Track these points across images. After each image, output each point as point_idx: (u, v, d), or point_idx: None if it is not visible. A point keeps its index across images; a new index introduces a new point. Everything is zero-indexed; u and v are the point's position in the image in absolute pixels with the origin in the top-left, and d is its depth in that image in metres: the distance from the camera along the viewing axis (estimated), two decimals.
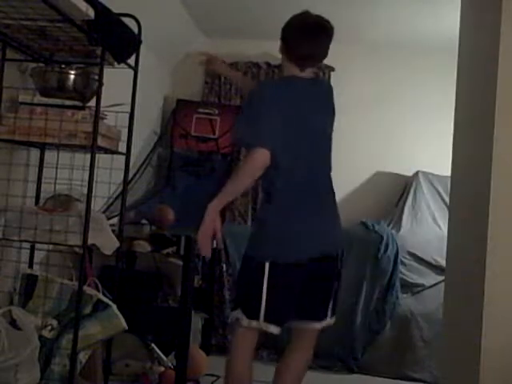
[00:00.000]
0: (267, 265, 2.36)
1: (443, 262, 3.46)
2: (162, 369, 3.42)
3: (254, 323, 2.40)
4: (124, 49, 2.59)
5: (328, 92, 2.66)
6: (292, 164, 2.39)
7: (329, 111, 2.62)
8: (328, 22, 2.59)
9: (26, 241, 2.53)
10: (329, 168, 2.56)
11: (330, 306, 2.55)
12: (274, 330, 2.42)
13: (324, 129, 2.55)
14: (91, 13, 2.25)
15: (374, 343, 4.07)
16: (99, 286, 2.72)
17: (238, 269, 2.67)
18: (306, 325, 2.55)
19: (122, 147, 2.79)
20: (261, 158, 2.27)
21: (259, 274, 2.37)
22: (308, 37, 2.53)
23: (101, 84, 2.46)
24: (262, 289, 2.36)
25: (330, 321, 2.56)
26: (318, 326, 2.55)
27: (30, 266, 2.77)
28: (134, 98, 2.78)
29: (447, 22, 3.84)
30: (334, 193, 2.58)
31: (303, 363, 2.67)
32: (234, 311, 2.46)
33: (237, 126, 2.46)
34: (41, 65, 2.67)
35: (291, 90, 2.45)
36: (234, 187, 2.42)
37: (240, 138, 2.47)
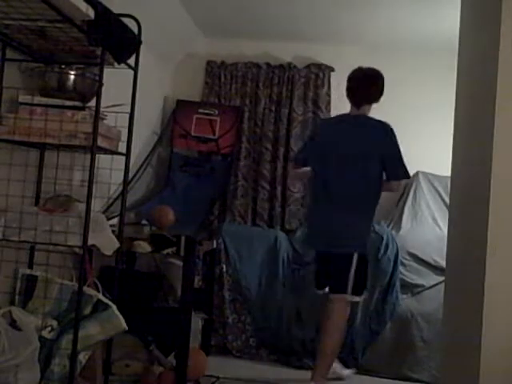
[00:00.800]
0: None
1: (443, 263, 3.46)
2: (162, 369, 3.42)
3: None
4: (124, 49, 2.59)
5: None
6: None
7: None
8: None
9: (25, 241, 2.53)
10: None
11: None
12: None
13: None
14: (91, 13, 2.25)
15: (374, 343, 4.07)
16: (99, 286, 2.72)
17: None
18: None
19: (122, 147, 2.79)
20: None
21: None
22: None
23: (101, 84, 2.46)
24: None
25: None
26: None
27: (30, 266, 2.78)
28: (133, 98, 2.78)
29: (447, 22, 3.83)
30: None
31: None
32: None
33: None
34: (41, 65, 2.67)
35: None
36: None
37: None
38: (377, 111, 4.85)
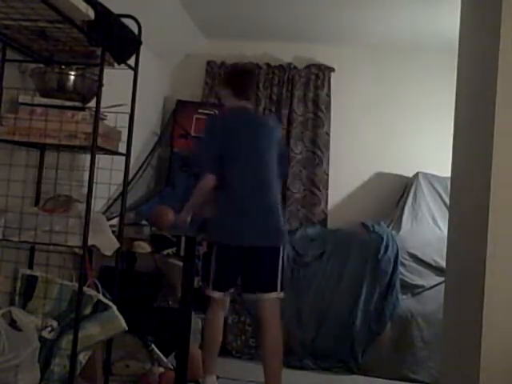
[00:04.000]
0: None
1: (443, 263, 3.46)
2: (162, 369, 3.42)
3: None
4: (124, 49, 2.59)
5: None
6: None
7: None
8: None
9: (25, 241, 2.53)
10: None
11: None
12: None
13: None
14: (91, 13, 2.25)
15: (374, 344, 4.07)
16: (99, 286, 2.72)
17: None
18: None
19: (122, 148, 2.79)
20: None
21: None
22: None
23: (101, 85, 2.46)
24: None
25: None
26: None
27: (30, 266, 2.77)
28: (133, 98, 2.78)
29: (447, 22, 3.83)
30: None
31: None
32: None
33: None
34: (41, 65, 2.67)
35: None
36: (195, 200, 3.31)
37: None
38: (376, 112, 4.86)
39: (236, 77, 3.37)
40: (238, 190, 3.16)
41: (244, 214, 3.14)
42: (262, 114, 3.66)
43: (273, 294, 3.18)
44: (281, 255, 3.22)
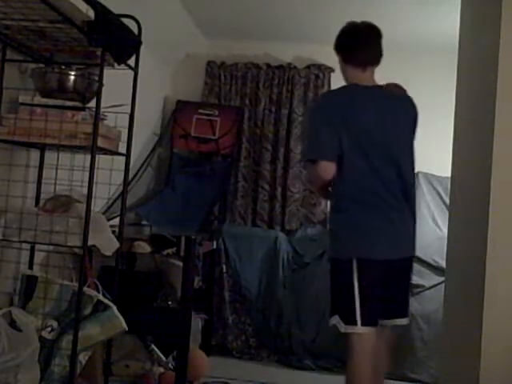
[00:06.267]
0: None
1: (443, 263, 3.46)
2: (162, 370, 3.42)
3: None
4: (124, 50, 2.59)
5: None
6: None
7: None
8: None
9: (26, 242, 2.53)
10: None
11: None
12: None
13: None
14: (91, 14, 2.25)
15: None
16: (99, 286, 2.72)
17: None
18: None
19: (122, 148, 2.79)
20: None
21: None
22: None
23: (101, 85, 2.46)
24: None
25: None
26: None
27: (30, 266, 2.77)
28: (134, 98, 2.78)
29: (447, 22, 3.83)
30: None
31: None
32: None
33: None
34: (41, 65, 2.67)
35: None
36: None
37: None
38: None
39: (345, 36, 2.77)
40: (374, 187, 2.51)
41: (390, 217, 2.52)
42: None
43: (406, 320, 2.63)
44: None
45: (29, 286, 2.62)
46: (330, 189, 2.67)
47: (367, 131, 2.51)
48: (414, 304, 4.11)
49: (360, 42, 2.70)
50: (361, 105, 2.56)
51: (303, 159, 2.58)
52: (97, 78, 2.50)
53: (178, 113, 4.72)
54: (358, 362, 2.46)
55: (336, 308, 2.55)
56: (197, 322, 3.84)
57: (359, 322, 2.42)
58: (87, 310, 2.52)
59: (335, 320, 2.51)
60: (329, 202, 2.79)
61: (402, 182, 2.58)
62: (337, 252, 2.57)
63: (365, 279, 2.43)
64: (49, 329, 2.50)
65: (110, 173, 2.70)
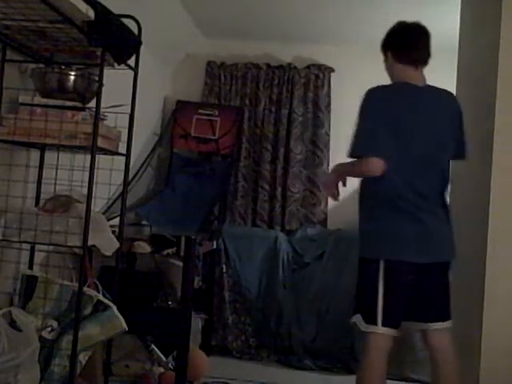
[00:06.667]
0: None
1: None
2: (162, 370, 3.42)
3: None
4: (124, 50, 2.59)
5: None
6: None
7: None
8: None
9: (26, 242, 2.53)
10: None
11: None
12: None
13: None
14: (91, 14, 2.25)
15: None
16: (99, 286, 2.72)
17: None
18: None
19: (122, 148, 2.79)
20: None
21: None
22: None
23: (101, 85, 2.46)
24: None
25: None
26: None
27: (30, 266, 2.77)
28: (134, 98, 2.78)
29: (447, 21, 3.83)
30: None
31: None
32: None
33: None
34: (41, 66, 2.67)
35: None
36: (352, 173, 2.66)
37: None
38: None
39: (398, 34, 2.72)
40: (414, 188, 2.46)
41: (425, 220, 2.45)
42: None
43: (448, 323, 2.54)
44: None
45: (29, 285, 2.62)
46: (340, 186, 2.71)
47: (414, 131, 2.48)
48: None
49: (414, 41, 2.68)
50: (411, 104, 2.52)
51: (354, 154, 2.51)
52: (97, 78, 2.50)
53: (177, 113, 4.72)
54: (373, 360, 2.46)
55: (359, 306, 2.54)
56: (197, 322, 3.84)
57: (380, 322, 2.41)
58: (87, 310, 2.52)
59: (356, 318, 2.49)
60: (359, 199, 2.71)
61: (442, 186, 2.55)
62: (365, 251, 2.56)
63: (390, 281, 2.41)
64: (49, 329, 2.50)
65: (110, 173, 2.69)
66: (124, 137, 2.78)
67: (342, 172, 2.70)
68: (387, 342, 2.45)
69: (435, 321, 2.51)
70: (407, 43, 2.67)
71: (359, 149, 2.49)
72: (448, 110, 2.59)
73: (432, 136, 2.51)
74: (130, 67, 2.73)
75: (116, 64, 2.58)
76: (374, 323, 2.42)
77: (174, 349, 3.48)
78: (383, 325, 2.41)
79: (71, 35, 2.41)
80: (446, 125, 2.56)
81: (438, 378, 2.50)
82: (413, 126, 2.47)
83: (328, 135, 4.81)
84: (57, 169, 2.77)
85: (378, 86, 2.62)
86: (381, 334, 2.42)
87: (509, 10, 2.56)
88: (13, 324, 2.42)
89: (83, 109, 2.55)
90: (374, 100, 2.56)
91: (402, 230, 2.44)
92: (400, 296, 2.45)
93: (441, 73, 4.37)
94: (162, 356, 3.48)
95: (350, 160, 2.58)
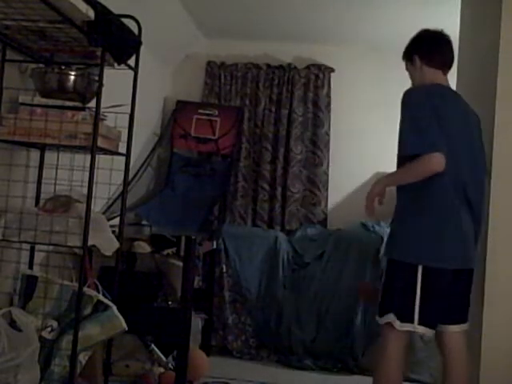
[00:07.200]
0: None
1: None
2: (162, 370, 3.42)
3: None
4: (124, 50, 2.59)
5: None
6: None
7: None
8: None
9: (25, 242, 2.53)
10: None
11: None
12: None
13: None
14: (91, 14, 2.25)
15: (374, 344, 4.06)
16: (99, 286, 2.72)
17: None
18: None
19: (122, 148, 2.79)
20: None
21: None
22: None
23: (101, 85, 2.46)
24: None
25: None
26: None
27: (30, 266, 2.77)
28: (134, 98, 2.78)
29: (447, 21, 3.82)
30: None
31: None
32: None
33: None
34: (41, 66, 2.67)
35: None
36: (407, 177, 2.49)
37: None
38: (377, 112, 4.86)
39: (428, 39, 2.67)
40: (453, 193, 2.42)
41: (465, 227, 2.44)
42: None
43: (466, 325, 2.58)
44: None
45: (29, 285, 2.62)
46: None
47: (460, 132, 2.46)
48: None
49: (443, 45, 2.65)
50: (452, 106, 2.51)
51: (415, 152, 2.39)
52: (97, 78, 2.50)
53: (177, 113, 4.72)
54: (392, 356, 2.47)
55: (391, 306, 2.47)
56: (197, 322, 3.83)
57: (416, 320, 2.40)
58: (87, 310, 2.52)
59: (389, 318, 2.44)
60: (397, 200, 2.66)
61: (480, 191, 2.53)
62: (402, 254, 2.47)
63: (429, 284, 2.39)
64: (49, 329, 2.50)
65: (110, 173, 2.69)
66: (124, 137, 2.78)
67: (390, 183, 2.58)
68: (405, 340, 2.47)
69: (456, 323, 2.52)
70: (437, 48, 2.65)
71: (418, 147, 2.39)
72: (478, 119, 2.61)
73: (474, 139, 2.52)
74: (130, 67, 2.73)
75: (116, 64, 2.58)
76: (411, 321, 2.40)
77: (173, 349, 3.48)
78: (419, 323, 2.40)
79: (71, 35, 2.42)
80: (479, 130, 2.58)
81: (451, 378, 2.52)
82: (458, 126, 2.45)
83: (328, 135, 4.82)
84: (57, 169, 2.77)
85: (419, 86, 2.60)
86: (401, 332, 2.42)
87: (509, 10, 2.56)
88: (13, 324, 2.42)
89: (83, 109, 2.55)
90: (421, 98, 2.48)
91: (444, 236, 2.40)
92: (438, 298, 2.44)
93: None
94: (162, 356, 3.48)
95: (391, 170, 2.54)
